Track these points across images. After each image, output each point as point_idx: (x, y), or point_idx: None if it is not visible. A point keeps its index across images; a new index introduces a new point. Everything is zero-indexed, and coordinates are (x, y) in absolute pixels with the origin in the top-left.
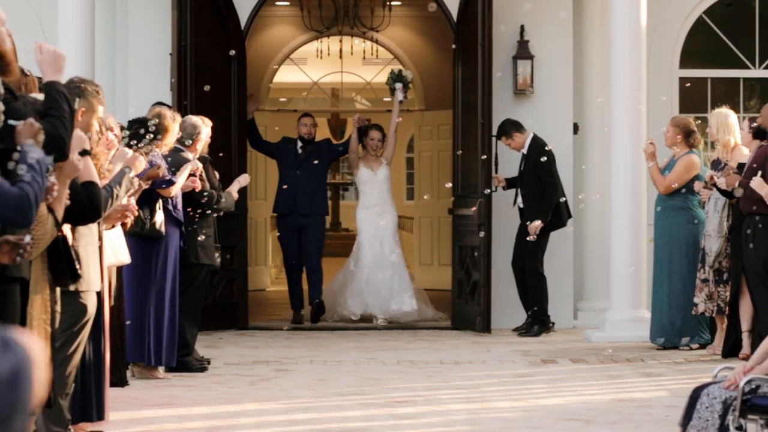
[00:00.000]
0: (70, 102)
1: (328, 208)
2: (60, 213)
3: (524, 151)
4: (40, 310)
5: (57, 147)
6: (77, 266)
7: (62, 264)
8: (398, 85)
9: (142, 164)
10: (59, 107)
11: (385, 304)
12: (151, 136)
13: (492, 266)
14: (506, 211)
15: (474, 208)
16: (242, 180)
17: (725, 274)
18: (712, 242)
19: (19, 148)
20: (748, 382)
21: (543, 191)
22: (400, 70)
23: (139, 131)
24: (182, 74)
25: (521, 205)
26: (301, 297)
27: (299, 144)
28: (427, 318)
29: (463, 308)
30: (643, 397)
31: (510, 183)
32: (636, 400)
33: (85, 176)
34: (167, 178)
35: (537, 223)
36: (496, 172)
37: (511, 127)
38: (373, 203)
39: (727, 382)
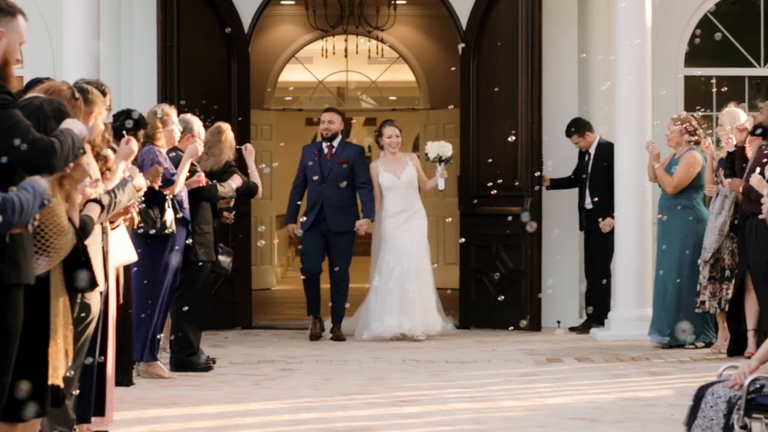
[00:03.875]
0: (76, 148)
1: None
2: (76, 219)
3: (591, 150)
4: (64, 315)
5: (45, 156)
6: (95, 272)
7: (82, 272)
8: (439, 169)
9: (137, 173)
10: (64, 139)
11: (420, 317)
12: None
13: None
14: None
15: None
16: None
17: (727, 271)
18: (713, 238)
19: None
20: (753, 381)
21: (612, 190)
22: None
23: (125, 122)
24: (166, 76)
25: (589, 206)
26: (319, 305)
27: (324, 144)
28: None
29: (482, 308)
30: (648, 396)
31: (555, 183)
32: (641, 399)
33: (87, 210)
34: (167, 177)
35: (612, 220)
36: (541, 171)
37: (584, 126)
38: (398, 210)
39: (731, 381)
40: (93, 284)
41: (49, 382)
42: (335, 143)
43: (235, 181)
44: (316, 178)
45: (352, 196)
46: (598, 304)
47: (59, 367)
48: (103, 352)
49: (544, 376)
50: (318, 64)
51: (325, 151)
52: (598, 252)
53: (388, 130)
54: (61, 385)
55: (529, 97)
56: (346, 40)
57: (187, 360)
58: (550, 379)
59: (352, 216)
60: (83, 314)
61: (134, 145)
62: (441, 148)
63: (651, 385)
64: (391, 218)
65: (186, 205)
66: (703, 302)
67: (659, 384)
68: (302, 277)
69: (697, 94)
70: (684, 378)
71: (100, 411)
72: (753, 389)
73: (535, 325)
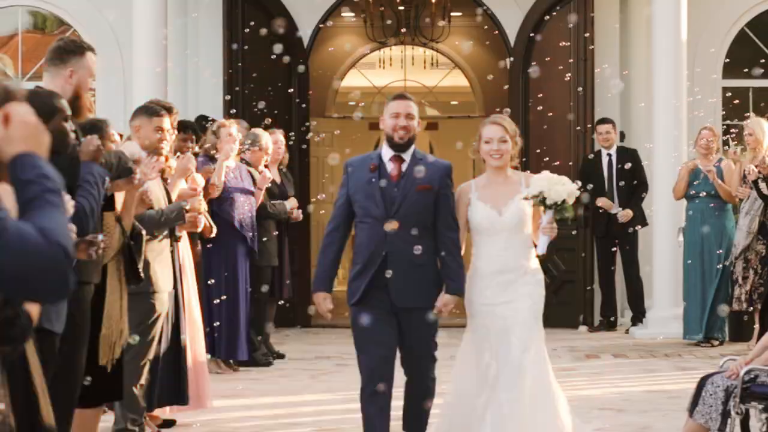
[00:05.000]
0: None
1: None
2: (127, 223)
3: (611, 152)
4: (116, 310)
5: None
6: (140, 270)
7: (129, 269)
8: (544, 219)
9: (192, 168)
10: (89, 187)
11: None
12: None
13: None
14: None
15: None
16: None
17: (750, 270)
18: (741, 236)
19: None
20: (748, 372)
21: (635, 190)
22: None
23: (187, 132)
24: (231, 89)
25: (616, 211)
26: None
27: (387, 155)
28: None
29: None
30: (674, 389)
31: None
32: (667, 392)
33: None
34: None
35: (629, 212)
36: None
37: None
38: (495, 268)
39: (728, 372)
40: (138, 280)
41: (101, 362)
42: (407, 155)
43: (290, 203)
44: (375, 212)
45: (435, 247)
46: (633, 305)
47: (107, 353)
48: (179, 346)
49: (581, 371)
50: (377, 73)
51: (390, 167)
52: (626, 256)
53: (489, 130)
54: (108, 366)
55: (583, 109)
56: (402, 51)
57: (249, 356)
58: (586, 374)
59: (436, 282)
60: (147, 313)
61: (191, 162)
62: (551, 184)
63: (679, 379)
64: (483, 280)
65: (251, 227)
66: (737, 299)
67: (687, 378)
68: (363, 400)
69: (735, 105)
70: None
71: (183, 400)
72: (748, 379)
73: (590, 324)
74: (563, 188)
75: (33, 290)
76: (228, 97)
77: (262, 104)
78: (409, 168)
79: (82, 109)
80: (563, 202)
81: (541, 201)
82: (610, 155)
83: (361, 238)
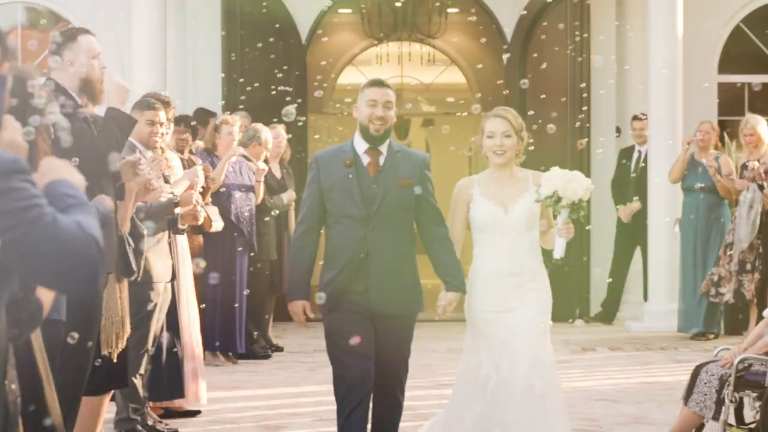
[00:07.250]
0: (124, 129)
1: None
2: (122, 215)
3: (642, 149)
4: (114, 301)
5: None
6: (132, 263)
7: (120, 262)
8: (559, 220)
9: (201, 177)
10: (110, 131)
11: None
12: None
13: None
14: None
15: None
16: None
17: (747, 264)
18: (746, 230)
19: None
20: (742, 360)
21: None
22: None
23: (179, 125)
24: (232, 87)
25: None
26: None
27: (362, 147)
28: None
29: None
30: (669, 381)
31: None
32: (662, 383)
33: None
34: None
35: (634, 206)
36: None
37: None
38: (501, 270)
39: (723, 361)
40: (129, 272)
41: (102, 352)
42: (383, 148)
43: (288, 196)
44: (353, 212)
45: (415, 247)
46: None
47: (111, 343)
48: (178, 337)
49: (577, 364)
50: (374, 69)
51: (365, 161)
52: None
53: (492, 123)
54: (114, 356)
55: (575, 106)
56: (399, 47)
57: (248, 348)
58: (582, 366)
59: (415, 285)
60: (143, 303)
61: (200, 174)
62: (566, 182)
63: (674, 371)
64: (486, 284)
65: (249, 221)
66: (722, 293)
67: (682, 370)
68: (339, 403)
69: (731, 101)
70: None
71: (181, 392)
72: (742, 368)
73: (587, 316)
74: (579, 185)
75: (64, 279)
76: (226, 94)
77: (258, 100)
78: (387, 161)
79: (96, 93)
80: (579, 200)
81: (555, 201)
82: (640, 152)
83: (337, 240)
